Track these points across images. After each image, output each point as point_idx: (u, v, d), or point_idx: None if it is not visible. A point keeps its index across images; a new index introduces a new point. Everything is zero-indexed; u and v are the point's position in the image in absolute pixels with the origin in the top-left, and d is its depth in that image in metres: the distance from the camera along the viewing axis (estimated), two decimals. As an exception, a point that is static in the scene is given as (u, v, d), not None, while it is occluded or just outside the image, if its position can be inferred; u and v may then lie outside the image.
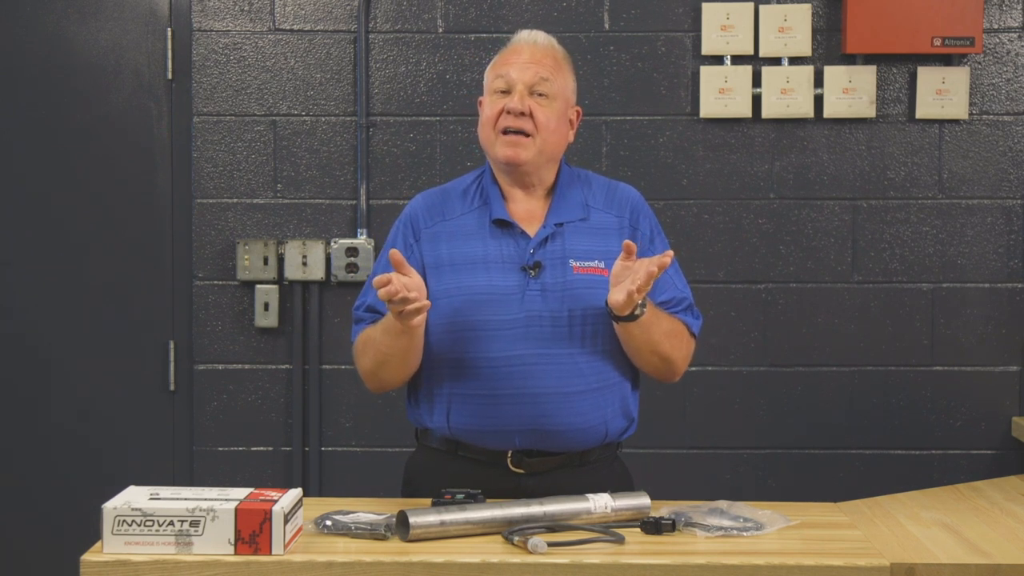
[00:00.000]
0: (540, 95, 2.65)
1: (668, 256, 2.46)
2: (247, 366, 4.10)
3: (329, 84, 4.07)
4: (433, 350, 2.63)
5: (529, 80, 2.65)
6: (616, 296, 2.50)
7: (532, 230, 2.66)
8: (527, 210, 2.69)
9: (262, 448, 4.11)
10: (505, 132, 2.64)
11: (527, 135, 2.63)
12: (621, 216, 2.71)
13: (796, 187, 4.06)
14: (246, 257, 4.04)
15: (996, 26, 4.02)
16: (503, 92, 2.66)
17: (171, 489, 2.33)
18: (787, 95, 3.99)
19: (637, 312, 2.52)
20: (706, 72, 4.00)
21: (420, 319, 2.50)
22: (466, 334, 2.59)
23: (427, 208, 2.72)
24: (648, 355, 2.62)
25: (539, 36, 2.72)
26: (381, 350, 2.60)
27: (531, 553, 2.25)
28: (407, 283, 2.45)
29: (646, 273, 2.43)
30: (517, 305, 2.59)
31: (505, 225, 2.66)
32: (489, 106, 2.67)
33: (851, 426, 4.07)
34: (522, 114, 2.63)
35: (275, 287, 4.06)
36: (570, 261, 2.62)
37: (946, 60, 4.00)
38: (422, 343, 2.59)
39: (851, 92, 3.99)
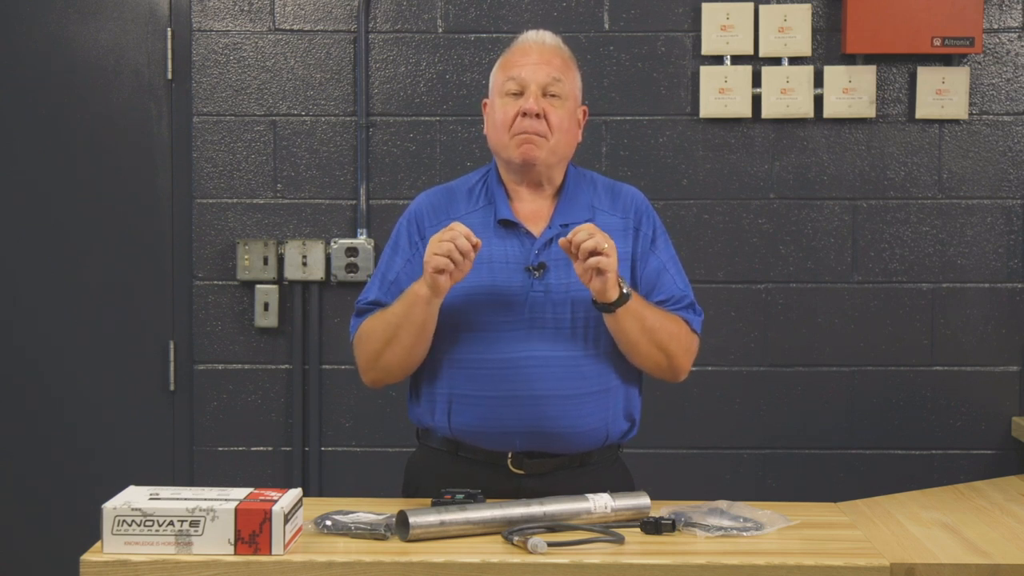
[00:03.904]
0: (552, 96, 2.64)
1: (576, 231, 2.47)
2: (247, 366, 4.10)
3: (329, 84, 4.07)
4: (435, 349, 2.62)
5: (542, 81, 2.63)
6: (592, 287, 2.50)
7: (538, 230, 2.65)
8: (533, 210, 2.68)
9: (262, 448, 4.11)
10: (520, 134, 2.63)
11: (542, 136, 2.62)
12: (626, 218, 2.70)
13: (796, 187, 4.06)
14: (246, 257, 4.04)
15: (996, 26, 4.02)
16: (515, 94, 2.64)
17: (171, 489, 2.33)
18: (787, 95, 3.99)
19: (625, 291, 2.51)
20: (706, 72, 4.01)
21: (448, 283, 2.49)
22: (469, 335, 2.59)
23: (432, 207, 2.71)
24: (646, 348, 2.60)
25: (546, 36, 2.71)
26: (393, 323, 2.57)
27: (531, 553, 2.25)
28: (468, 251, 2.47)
29: (579, 251, 2.46)
30: (520, 306, 2.59)
31: (510, 225, 2.65)
32: (501, 109, 2.64)
33: (851, 426, 4.07)
34: (537, 116, 2.61)
35: (275, 287, 4.06)
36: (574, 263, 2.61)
37: (946, 60, 4.00)
38: (435, 324, 2.57)
39: (851, 92, 3.99)
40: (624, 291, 2.52)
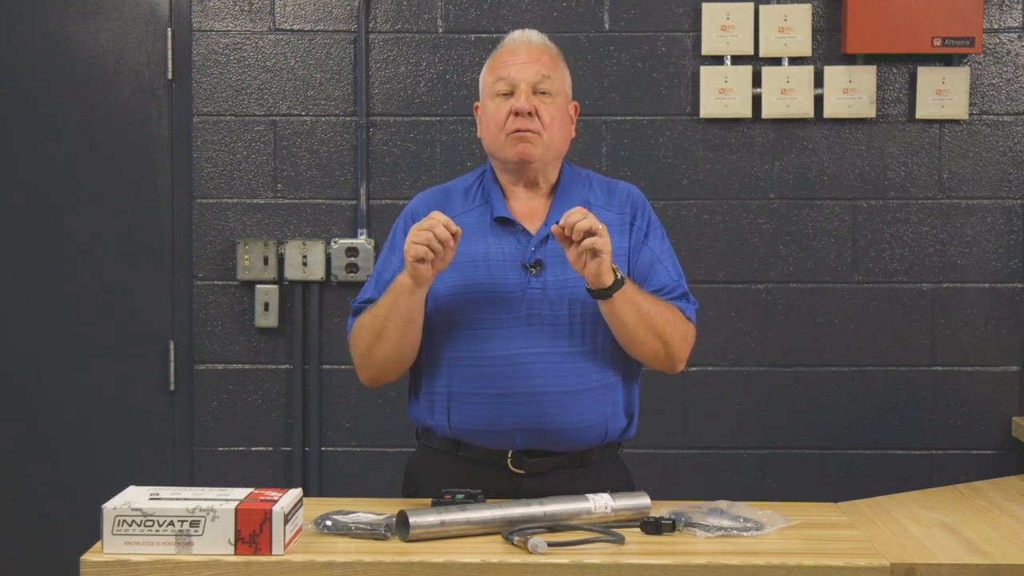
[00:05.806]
0: (543, 93, 2.65)
1: (569, 213, 2.46)
2: (247, 366, 4.10)
3: (329, 84, 4.07)
4: (434, 348, 2.63)
5: (532, 79, 2.64)
6: (587, 271, 2.49)
7: (534, 228, 2.66)
8: (529, 208, 2.69)
9: (262, 448, 4.11)
10: (514, 132, 2.63)
11: (536, 132, 2.63)
12: (622, 213, 2.71)
13: (796, 187, 4.06)
14: (246, 257, 4.04)
15: (996, 26, 4.02)
16: (505, 95, 2.65)
17: (171, 489, 2.33)
18: (787, 95, 3.99)
19: (619, 276, 2.51)
20: (706, 72, 4.01)
21: (430, 272, 2.49)
22: (467, 332, 2.60)
23: (429, 206, 2.71)
24: (643, 336, 2.58)
25: (532, 35, 2.72)
26: (380, 315, 2.58)
27: (531, 553, 2.25)
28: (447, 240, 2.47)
29: (572, 232, 2.44)
30: (518, 304, 2.60)
31: (507, 223, 2.66)
32: (493, 110, 2.65)
33: (851, 426, 4.07)
34: (529, 114, 2.62)
35: (275, 287, 4.06)
36: None
37: (946, 60, 4.00)
38: (422, 314, 2.57)
39: (851, 92, 3.99)
40: (619, 276, 2.52)
